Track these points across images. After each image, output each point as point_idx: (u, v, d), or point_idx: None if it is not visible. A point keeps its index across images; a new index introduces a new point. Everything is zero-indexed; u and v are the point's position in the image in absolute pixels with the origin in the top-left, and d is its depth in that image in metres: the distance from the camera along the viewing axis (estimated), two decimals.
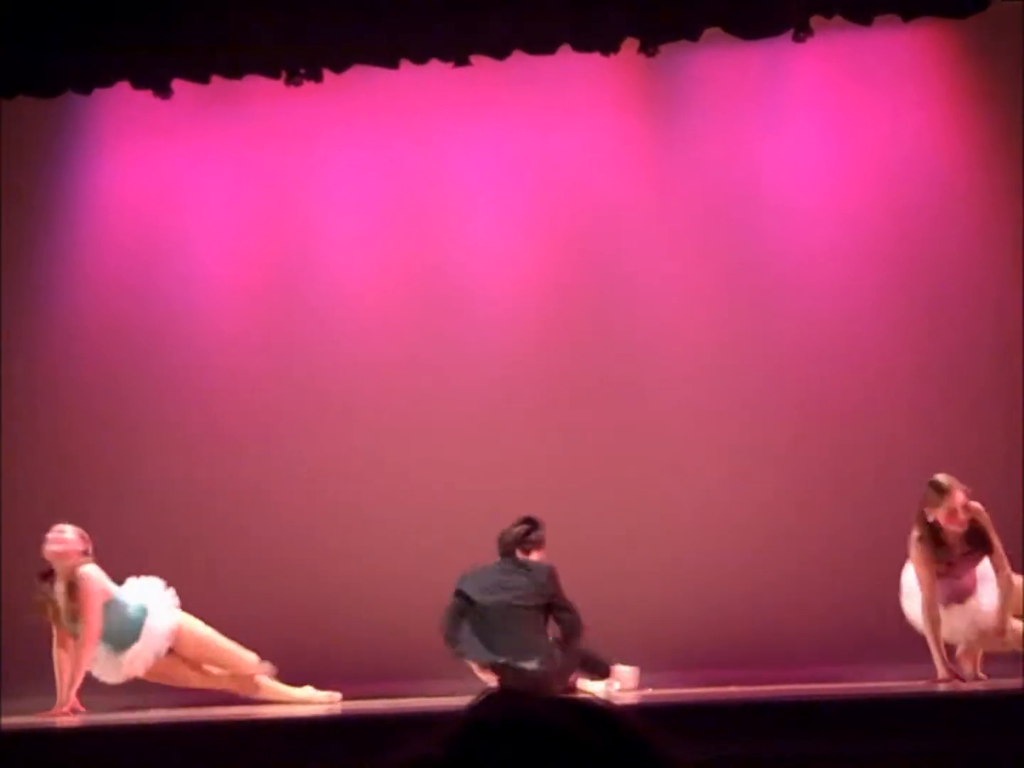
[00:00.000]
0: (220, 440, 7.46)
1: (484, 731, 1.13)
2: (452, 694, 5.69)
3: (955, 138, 7.25)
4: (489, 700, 1.16)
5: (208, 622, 6.48)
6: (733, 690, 5.79)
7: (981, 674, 6.00)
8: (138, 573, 6.41)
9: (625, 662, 6.26)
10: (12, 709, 5.88)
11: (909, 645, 5.89)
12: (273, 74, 7.33)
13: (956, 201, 7.17)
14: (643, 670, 6.21)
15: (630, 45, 7.11)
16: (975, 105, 7.22)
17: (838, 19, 6.93)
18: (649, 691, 5.99)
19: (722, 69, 7.34)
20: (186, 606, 6.46)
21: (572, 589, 6.20)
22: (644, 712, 4.66)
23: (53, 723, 5.71)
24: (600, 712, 1.19)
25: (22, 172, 7.61)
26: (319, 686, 6.55)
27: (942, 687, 5.59)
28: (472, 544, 6.77)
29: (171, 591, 6.37)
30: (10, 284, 7.46)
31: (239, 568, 7.27)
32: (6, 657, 6.55)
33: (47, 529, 6.23)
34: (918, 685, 5.57)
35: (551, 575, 6.11)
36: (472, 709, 1.15)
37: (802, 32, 6.97)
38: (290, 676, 6.59)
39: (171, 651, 6.27)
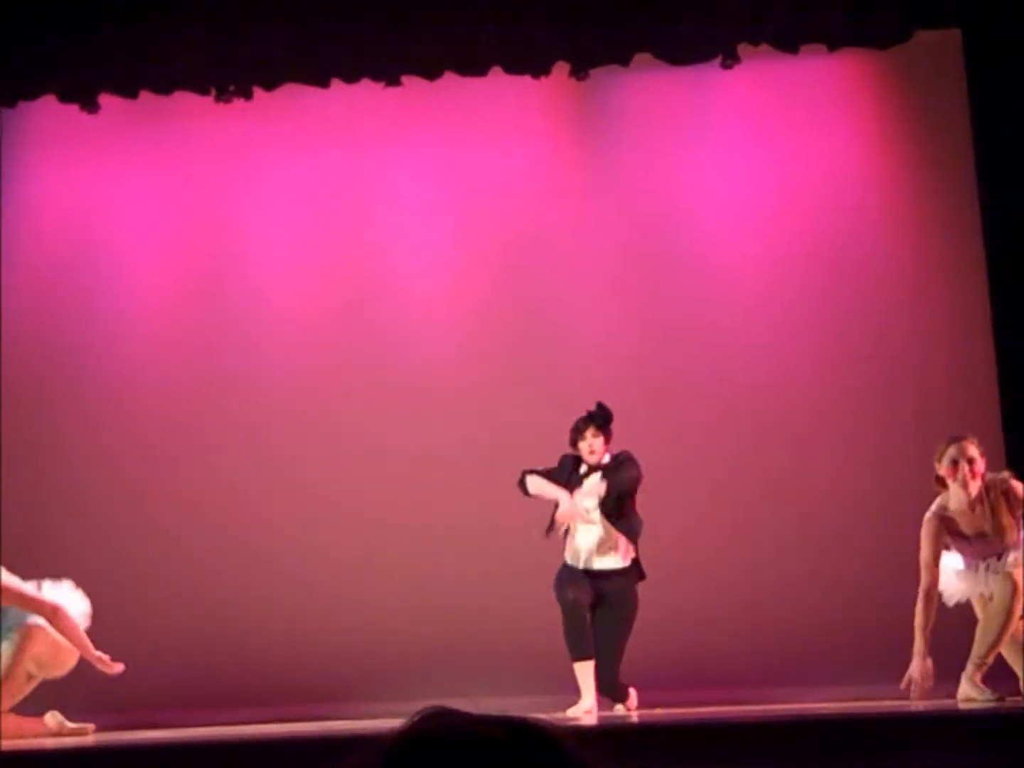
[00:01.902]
0: (150, 453, 7.40)
1: (420, 745, 1.15)
2: (393, 716, 5.67)
3: (880, 164, 7.39)
4: (426, 716, 1.18)
5: (142, 640, 6.37)
6: (723, 710, 5.72)
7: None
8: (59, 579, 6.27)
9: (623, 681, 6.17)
10: None
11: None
12: (203, 91, 7.31)
13: (882, 225, 7.32)
14: (640, 689, 6.17)
15: (561, 68, 7.18)
16: (900, 131, 7.37)
17: (765, 47, 7.05)
18: (659, 711, 5.93)
19: (652, 94, 7.43)
20: (116, 617, 6.38)
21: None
22: (647, 732, 4.69)
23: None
24: (531, 728, 1.21)
25: None
26: (251, 707, 6.53)
27: (914, 695, 5.37)
28: (419, 564, 6.79)
29: (80, 593, 6.12)
30: None
31: (170, 580, 7.22)
32: None
33: None
34: (905, 704, 5.43)
35: None
36: (409, 724, 1.17)
37: (730, 59, 7.09)
38: (224, 694, 6.55)
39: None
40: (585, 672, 5.96)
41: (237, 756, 4.85)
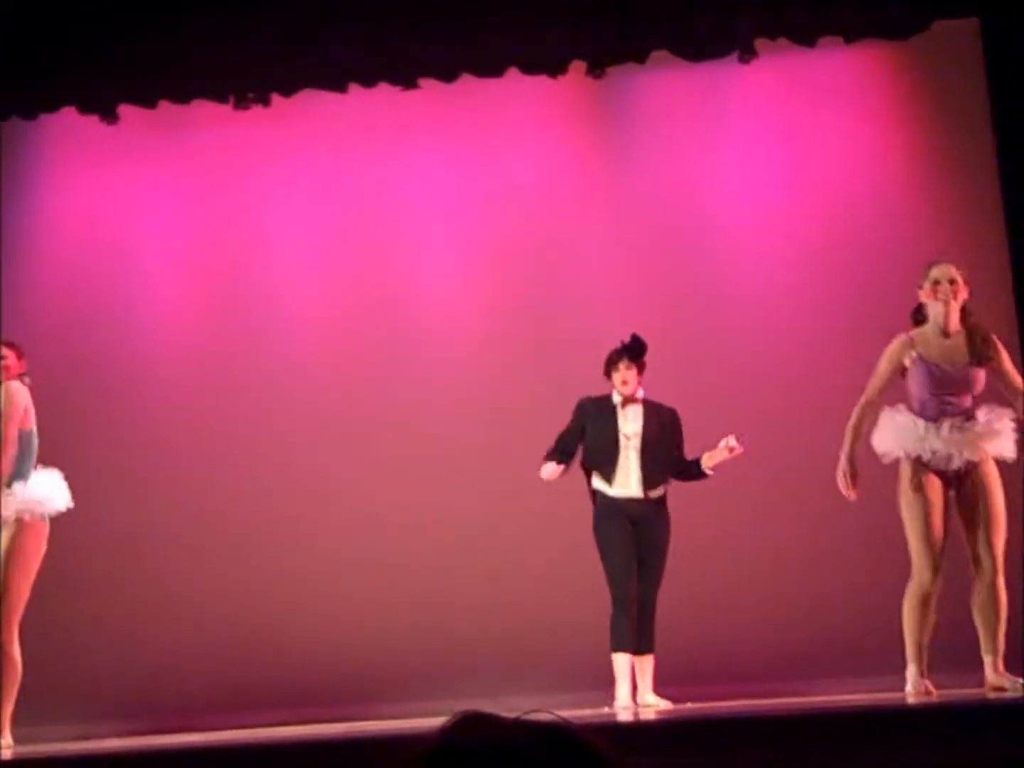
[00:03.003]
0: (169, 461, 7.43)
1: (455, 753, 1.15)
2: (418, 715, 5.69)
3: (899, 155, 7.35)
4: (460, 723, 1.18)
5: (167, 641, 6.37)
6: (753, 703, 5.68)
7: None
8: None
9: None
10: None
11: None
12: (221, 98, 7.33)
13: (900, 217, 7.27)
14: (669, 684, 6.15)
15: (577, 67, 7.17)
16: (919, 122, 7.33)
17: (783, 41, 7.03)
18: (688, 705, 5.90)
19: (669, 90, 7.41)
20: (142, 623, 6.39)
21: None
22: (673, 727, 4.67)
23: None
24: (566, 734, 1.21)
25: None
26: (277, 709, 6.53)
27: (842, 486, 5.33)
28: (434, 567, 6.79)
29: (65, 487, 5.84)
30: None
31: (190, 588, 7.25)
32: None
33: None
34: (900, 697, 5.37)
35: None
36: (443, 732, 1.17)
37: (747, 54, 7.07)
38: (251, 699, 6.57)
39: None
40: (626, 665, 5.95)
41: (264, 758, 4.87)
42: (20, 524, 5.66)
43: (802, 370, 7.23)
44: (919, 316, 5.45)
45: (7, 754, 5.41)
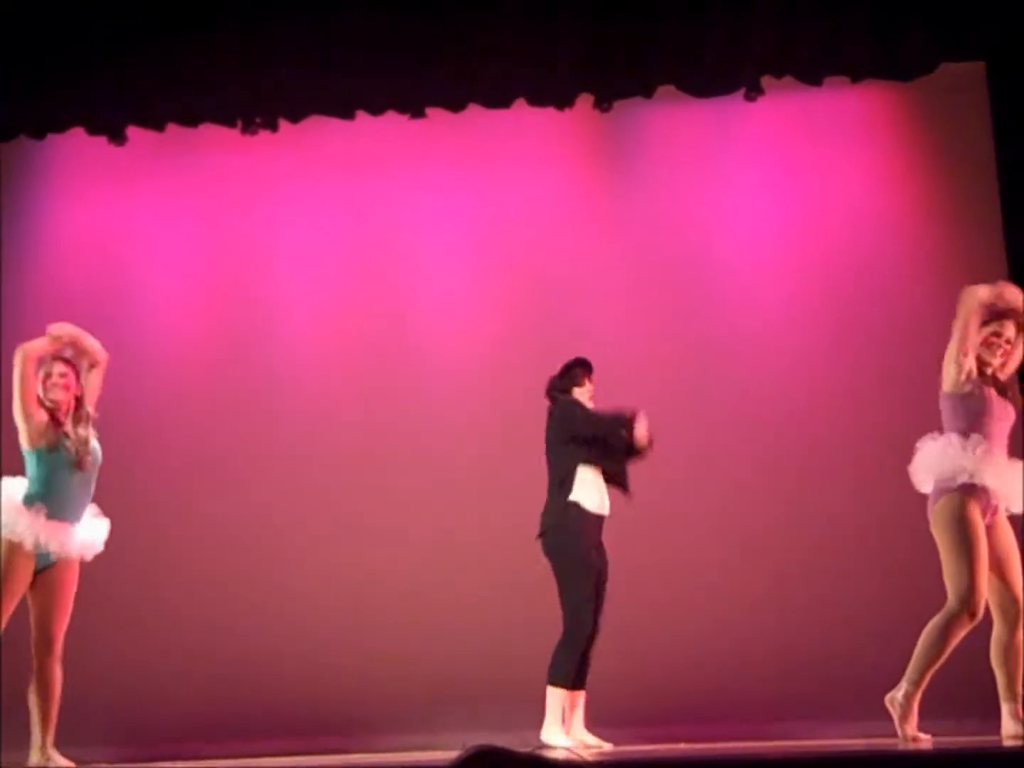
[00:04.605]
0: (165, 484, 7.42)
1: None
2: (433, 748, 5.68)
3: (903, 195, 7.38)
4: (474, 757, 1.17)
5: (161, 667, 6.32)
6: (749, 745, 5.67)
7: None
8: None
9: (615, 717, 6.10)
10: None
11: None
12: (229, 123, 7.36)
13: (904, 257, 7.29)
14: (633, 724, 6.12)
15: (585, 100, 7.21)
16: (923, 163, 7.36)
17: (789, 79, 7.06)
18: (683, 746, 5.88)
19: (675, 125, 7.45)
20: (139, 648, 6.37)
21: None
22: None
23: None
24: None
25: None
26: (272, 739, 6.51)
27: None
28: (442, 592, 6.76)
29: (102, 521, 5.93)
30: None
31: (185, 613, 7.23)
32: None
33: None
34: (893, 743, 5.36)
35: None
36: (458, 765, 1.17)
37: (753, 92, 7.11)
38: (246, 727, 6.54)
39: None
40: (564, 701, 5.79)
41: None
42: (68, 561, 5.71)
43: (804, 405, 7.24)
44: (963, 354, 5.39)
45: None
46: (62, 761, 5.63)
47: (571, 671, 5.71)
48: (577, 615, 5.70)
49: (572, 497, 5.86)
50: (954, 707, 5.62)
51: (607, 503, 5.95)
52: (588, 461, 5.92)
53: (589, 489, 5.90)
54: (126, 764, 6.08)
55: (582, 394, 6.11)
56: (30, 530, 5.68)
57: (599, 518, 5.88)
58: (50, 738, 5.64)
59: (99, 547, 5.85)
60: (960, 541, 5.17)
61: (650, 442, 5.95)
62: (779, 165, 7.48)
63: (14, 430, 5.82)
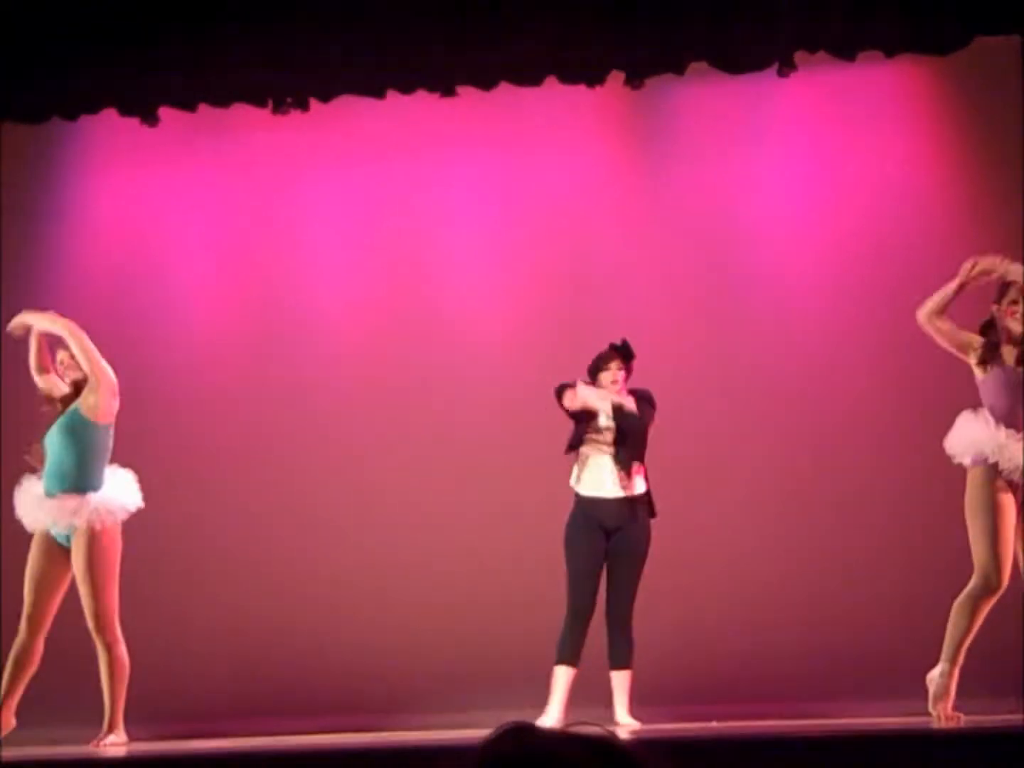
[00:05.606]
0: (193, 465, 7.46)
1: (503, 764, 1.15)
2: (462, 726, 5.71)
3: (938, 170, 7.32)
4: (506, 734, 1.18)
5: (190, 645, 6.35)
6: (780, 724, 5.68)
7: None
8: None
9: (647, 695, 6.10)
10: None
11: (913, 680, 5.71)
12: (260, 103, 7.36)
13: (939, 232, 7.23)
14: (666, 702, 6.13)
15: (615, 78, 7.17)
16: (958, 138, 7.29)
17: (822, 54, 7.00)
18: (714, 724, 5.89)
19: (707, 102, 7.40)
20: (166, 628, 6.40)
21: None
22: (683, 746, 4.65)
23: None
24: (610, 747, 1.21)
25: (5, 196, 7.61)
26: (310, 718, 6.55)
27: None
28: (463, 571, 6.76)
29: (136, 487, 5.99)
30: None
31: (214, 592, 7.27)
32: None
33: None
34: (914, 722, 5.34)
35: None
36: (488, 743, 1.17)
37: (786, 67, 7.05)
38: (285, 707, 6.57)
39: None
40: (564, 679, 5.89)
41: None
42: (92, 532, 5.72)
43: (833, 384, 7.21)
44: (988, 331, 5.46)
45: (121, 751, 5.51)
46: (124, 736, 5.77)
47: (561, 645, 5.92)
48: (568, 591, 5.98)
49: (571, 480, 6.10)
50: (989, 687, 5.59)
51: (610, 484, 6.01)
52: (581, 442, 6.08)
53: (589, 471, 6.06)
54: (161, 742, 6.13)
55: (606, 378, 6.13)
56: (24, 510, 5.72)
57: (593, 501, 6.01)
58: (118, 715, 5.75)
59: (125, 510, 5.82)
60: (983, 516, 5.19)
61: (620, 407, 5.99)
62: (812, 141, 7.43)
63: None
